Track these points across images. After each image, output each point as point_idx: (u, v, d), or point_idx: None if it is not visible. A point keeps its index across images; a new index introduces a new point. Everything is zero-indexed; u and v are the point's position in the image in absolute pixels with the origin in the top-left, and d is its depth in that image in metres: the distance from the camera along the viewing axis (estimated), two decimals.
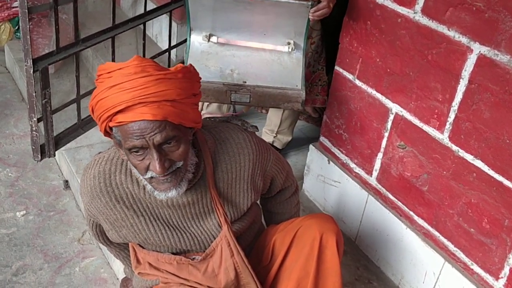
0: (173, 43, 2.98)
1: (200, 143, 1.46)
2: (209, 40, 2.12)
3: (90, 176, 1.47)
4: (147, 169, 1.32)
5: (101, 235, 1.66)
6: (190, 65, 1.37)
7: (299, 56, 2.12)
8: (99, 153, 1.52)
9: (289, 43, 2.10)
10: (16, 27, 3.52)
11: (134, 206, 1.46)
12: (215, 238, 1.53)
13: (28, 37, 1.91)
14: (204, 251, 1.55)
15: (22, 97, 3.63)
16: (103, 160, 1.47)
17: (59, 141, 2.27)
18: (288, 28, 2.08)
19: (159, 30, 3.90)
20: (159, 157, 1.28)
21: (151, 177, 1.34)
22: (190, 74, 1.33)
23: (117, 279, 2.27)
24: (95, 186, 1.45)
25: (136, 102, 1.23)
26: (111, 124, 1.29)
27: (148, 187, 1.39)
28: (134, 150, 1.29)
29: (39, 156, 2.19)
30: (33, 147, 2.16)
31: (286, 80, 2.11)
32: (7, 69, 4.02)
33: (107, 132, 1.34)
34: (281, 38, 2.11)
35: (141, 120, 1.24)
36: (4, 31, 3.45)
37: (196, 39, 2.14)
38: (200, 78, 1.39)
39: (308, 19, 2.03)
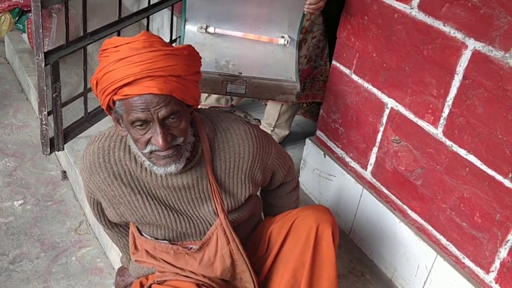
0: (174, 36, 3.00)
1: (197, 124, 1.48)
2: (206, 31, 2.13)
3: (90, 152, 1.49)
4: (147, 143, 1.33)
5: (103, 215, 1.66)
6: (191, 45, 1.40)
7: (292, 50, 2.13)
8: (100, 131, 1.55)
9: (283, 37, 2.12)
10: (16, 18, 3.51)
11: (132, 184, 1.48)
12: (211, 225, 1.55)
13: (41, 30, 1.88)
14: (200, 238, 1.57)
15: (21, 88, 3.64)
16: (103, 137, 1.50)
17: (67, 134, 2.26)
18: (282, 22, 2.10)
19: (161, 24, 3.91)
20: (162, 131, 1.30)
21: (151, 152, 1.35)
22: (193, 52, 1.38)
23: (113, 269, 2.29)
24: (94, 161, 1.48)
25: (144, 75, 1.25)
26: (115, 97, 1.30)
27: (147, 163, 1.40)
28: (138, 123, 1.30)
29: (49, 149, 2.17)
30: (43, 141, 2.14)
31: (281, 73, 2.13)
32: (6, 60, 4.03)
33: (108, 108, 1.36)
34: (275, 32, 2.13)
35: (148, 93, 1.27)
36: (4, 22, 3.44)
37: (191, 30, 2.16)
38: (201, 58, 1.43)
39: (303, 13, 2.04)
